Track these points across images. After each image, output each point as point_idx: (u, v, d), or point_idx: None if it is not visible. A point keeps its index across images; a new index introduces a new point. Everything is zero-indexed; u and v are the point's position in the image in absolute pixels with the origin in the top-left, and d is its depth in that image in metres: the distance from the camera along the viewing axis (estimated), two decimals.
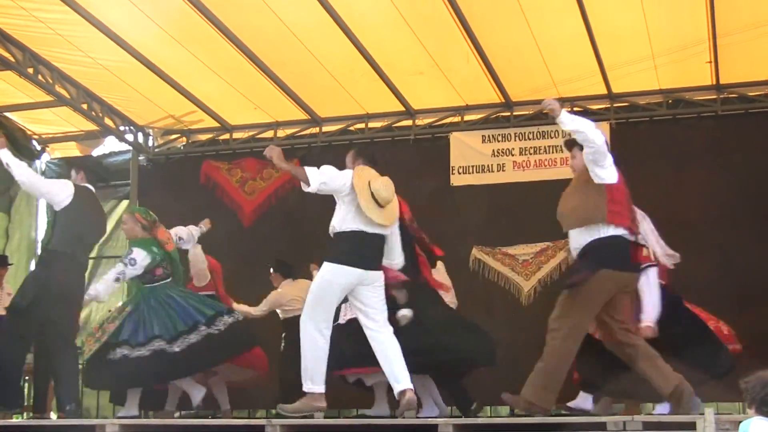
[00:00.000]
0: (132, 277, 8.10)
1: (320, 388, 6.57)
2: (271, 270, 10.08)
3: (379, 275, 6.78)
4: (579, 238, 6.65)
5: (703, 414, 4.82)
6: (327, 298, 6.63)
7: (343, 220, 6.72)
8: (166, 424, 6.76)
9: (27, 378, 10.81)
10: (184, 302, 8.07)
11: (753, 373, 4.48)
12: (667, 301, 7.40)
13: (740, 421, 4.50)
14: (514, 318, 10.72)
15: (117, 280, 8.08)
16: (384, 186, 6.71)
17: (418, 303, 7.35)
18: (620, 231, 6.54)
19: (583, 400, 7.54)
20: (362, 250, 6.70)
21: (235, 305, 9.22)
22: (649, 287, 7.28)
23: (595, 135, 6.48)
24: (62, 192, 7.98)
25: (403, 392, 6.50)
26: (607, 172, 6.63)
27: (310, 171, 6.58)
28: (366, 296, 6.73)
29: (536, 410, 6.29)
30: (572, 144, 6.89)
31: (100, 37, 10.18)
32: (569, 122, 6.53)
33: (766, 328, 9.48)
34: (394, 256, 7.02)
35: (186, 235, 8.97)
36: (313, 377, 6.57)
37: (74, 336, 8.41)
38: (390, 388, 7.30)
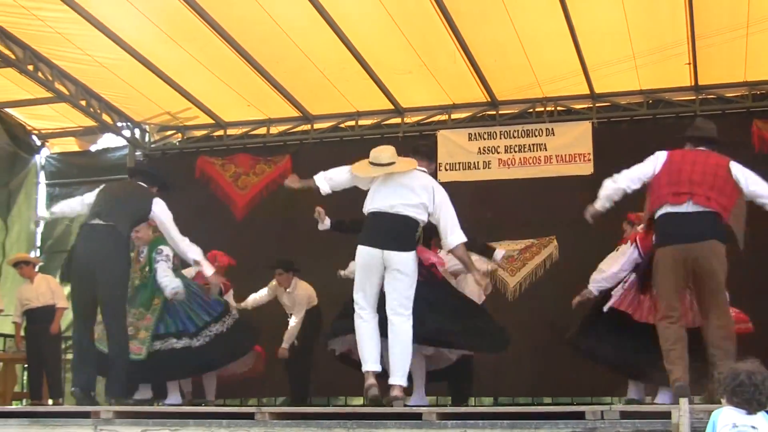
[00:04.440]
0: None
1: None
2: (280, 270, 9.89)
3: (396, 257, 6.53)
4: None
5: (678, 404, 4.83)
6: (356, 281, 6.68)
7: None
8: (159, 411, 6.76)
9: (26, 366, 10.88)
10: (200, 295, 8.18)
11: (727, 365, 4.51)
12: None
13: (712, 411, 4.52)
14: (499, 313, 10.52)
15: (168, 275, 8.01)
16: (380, 150, 6.74)
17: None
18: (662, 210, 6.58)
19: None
20: (371, 230, 6.66)
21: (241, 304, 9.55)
22: None
23: None
24: None
25: (392, 387, 6.50)
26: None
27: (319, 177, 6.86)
28: (386, 280, 6.60)
29: None
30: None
31: (98, 35, 10.18)
32: None
33: None
34: (445, 236, 6.78)
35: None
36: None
37: None
38: None
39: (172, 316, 7.94)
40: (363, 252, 6.60)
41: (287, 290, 9.84)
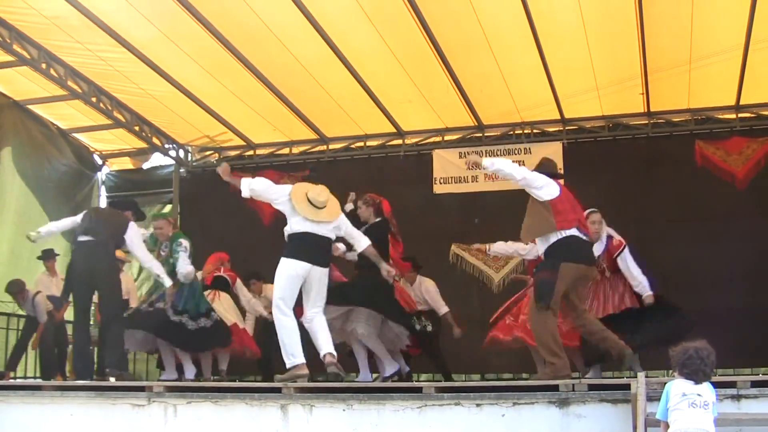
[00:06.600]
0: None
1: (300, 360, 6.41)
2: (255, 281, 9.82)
3: (324, 272, 6.63)
4: (540, 247, 6.49)
5: (637, 376, 4.84)
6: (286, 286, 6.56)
7: (290, 225, 6.69)
8: (202, 386, 6.77)
9: (92, 348, 10.79)
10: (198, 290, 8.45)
11: (679, 344, 4.52)
12: None
13: (665, 383, 4.53)
14: (486, 303, 10.51)
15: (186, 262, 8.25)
16: (318, 193, 6.64)
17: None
18: (571, 232, 6.29)
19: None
20: (309, 248, 6.59)
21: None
22: (632, 265, 7.34)
23: (513, 170, 6.37)
24: None
25: (325, 355, 6.48)
26: (543, 192, 6.39)
27: (244, 180, 6.72)
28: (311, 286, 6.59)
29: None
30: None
31: (149, 72, 10.21)
32: (490, 166, 6.46)
33: None
34: (360, 243, 6.89)
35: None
36: (293, 352, 6.40)
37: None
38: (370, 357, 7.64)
39: (179, 297, 8.18)
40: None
41: (261, 295, 9.71)
